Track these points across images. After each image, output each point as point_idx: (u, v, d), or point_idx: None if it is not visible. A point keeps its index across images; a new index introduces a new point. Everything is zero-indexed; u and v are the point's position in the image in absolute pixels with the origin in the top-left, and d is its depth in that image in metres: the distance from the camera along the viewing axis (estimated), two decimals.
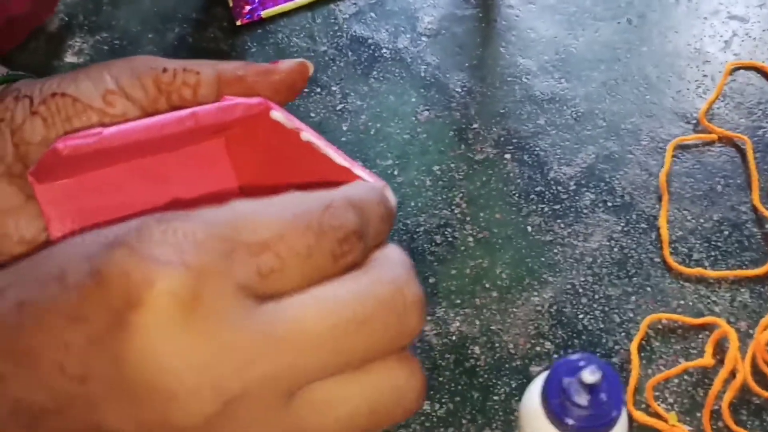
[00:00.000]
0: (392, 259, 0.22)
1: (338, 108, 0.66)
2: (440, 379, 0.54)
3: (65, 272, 0.20)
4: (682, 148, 0.63)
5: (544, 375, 0.39)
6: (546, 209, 0.61)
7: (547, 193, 0.61)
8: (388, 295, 0.21)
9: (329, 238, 0.20)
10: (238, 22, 0.71)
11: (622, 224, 0.60)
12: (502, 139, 0.64)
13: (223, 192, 0.31)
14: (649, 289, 0.57)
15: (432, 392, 0.53)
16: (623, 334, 0.55)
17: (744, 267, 0.57)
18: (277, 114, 0.27)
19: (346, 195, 0.22)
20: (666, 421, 0.51)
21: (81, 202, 0.28)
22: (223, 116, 0.27)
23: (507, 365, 0.54)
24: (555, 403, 0.36)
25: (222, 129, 0.29)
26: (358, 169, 0.26)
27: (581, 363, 0.35)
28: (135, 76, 0.29)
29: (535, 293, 0.57)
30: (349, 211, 0.21)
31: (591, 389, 0.35)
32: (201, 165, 0.30)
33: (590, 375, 0.34)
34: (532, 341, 0.55)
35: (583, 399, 0.35)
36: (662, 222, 0.59)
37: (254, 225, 0.20)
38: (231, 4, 0.71)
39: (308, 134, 0.26)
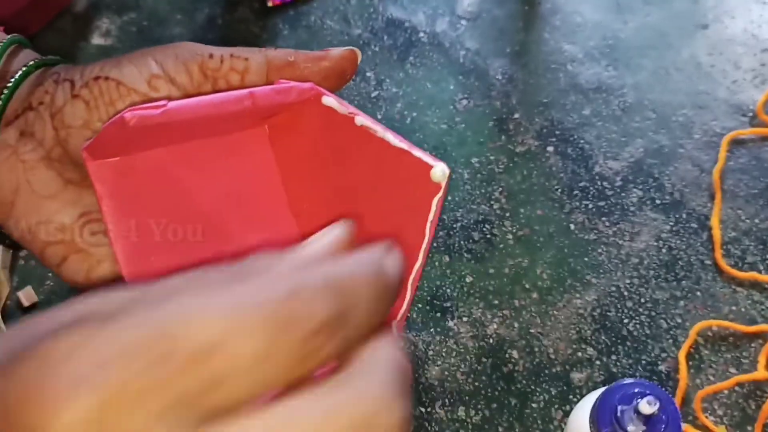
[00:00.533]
0: (381, 363, 0.18)
1: (373, 95, 0.63)
2: (476, 384, 0.52)
3: None
4: (738, 142, 0.59)
5: (593, 396, 0.36)
6: (590, 206, 0.58)
7: (591, 188, 0.58)
8: (363, 421, 0.17)
9: (294, 333, 0.17)
10: (270, 3, 0.68)
11: (671, 223, 0.57)
12: (544, 130, 0.61)
13: (265, 183, 0.30)
14: (699, 293, 0.54)
15: (467, 398, 0.51)
16: (671, 340, 0.52)
17: None
18: (329, 99, 0.27)
19: (325, 274, 0.18)
20: None
21: (131, 182, 0.28)
22: (279, 98, 0.27)
23: (546, 371, 0.52)
24: (606, 431, 0.33)
25: (270, 115, 0.29)
26: (417, 151, 0.25)
27: (637, 389, 0.33)
28: (180, 61, 0.29)
29: (578, 295, 0.54)
30: (323, 295, 0.17)
31: (647, 419, 0.32)
32: (244, 153, 0.30)
33: (648, 405, 0.31)
34: (574, 346, 0.52)
35: (638, 429, 0.33)
36: (714, 222, 0.56)
37: (197, 322, 0.16)
38: None
39: (363, 119, 0.26)
